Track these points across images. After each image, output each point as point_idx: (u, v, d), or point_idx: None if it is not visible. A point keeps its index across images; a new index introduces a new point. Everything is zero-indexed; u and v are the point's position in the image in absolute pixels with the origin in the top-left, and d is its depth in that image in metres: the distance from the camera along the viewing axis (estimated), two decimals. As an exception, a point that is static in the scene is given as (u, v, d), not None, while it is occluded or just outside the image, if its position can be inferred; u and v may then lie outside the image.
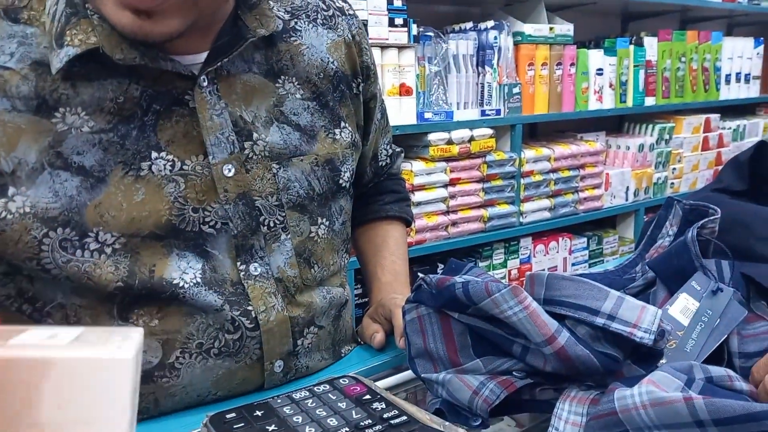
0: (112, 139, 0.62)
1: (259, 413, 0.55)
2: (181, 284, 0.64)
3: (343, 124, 0.77)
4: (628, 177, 2.66)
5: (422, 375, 0.62)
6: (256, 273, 0.68)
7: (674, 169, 2.86)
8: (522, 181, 2.28)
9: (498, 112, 2.18)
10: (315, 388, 0.59)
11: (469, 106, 2.15)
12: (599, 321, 0.55)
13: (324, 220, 0.74)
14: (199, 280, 0.65)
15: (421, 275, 0.64)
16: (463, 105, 2.13)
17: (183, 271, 0.64)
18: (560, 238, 2.50)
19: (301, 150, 0.72)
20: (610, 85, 2.56)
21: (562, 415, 0.55)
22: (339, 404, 0.56)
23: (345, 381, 0.61)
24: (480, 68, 2.16)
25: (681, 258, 0.67)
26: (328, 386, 0.60)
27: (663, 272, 0.68)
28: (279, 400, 0.57)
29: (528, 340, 0.56)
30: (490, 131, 2.13)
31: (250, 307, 0.67)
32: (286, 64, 0.73)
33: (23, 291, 0.64)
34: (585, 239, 2.62)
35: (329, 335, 0.77)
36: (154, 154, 0.63)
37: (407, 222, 0.96)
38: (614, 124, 2.94)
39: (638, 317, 0.55)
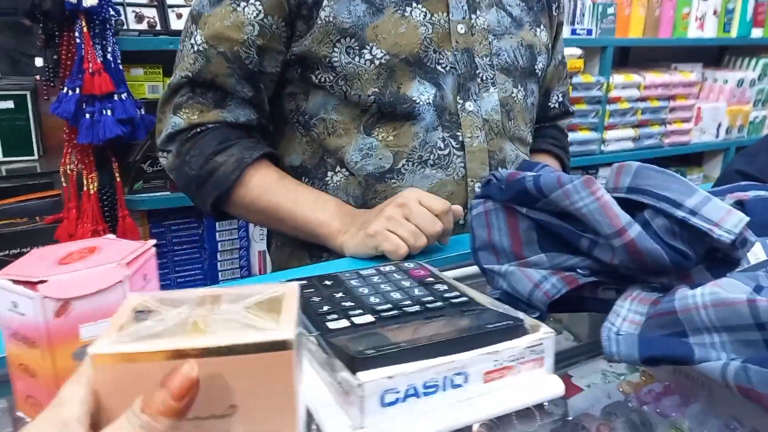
0: None
1: (328, 282, 0.58)
2: (418, 101, 0.84)
3: (542, 27, 0.95)
4: (722, 113, 2.51)
5: (484, 266, 0.63)
6: (470, 109, 0.87)
7: (775, 108, 2.67)
8: (608, 107, 2.20)
9: (589, 32, 2.08)
10: (381, 268, 0.62)
11: (559, 23, 2.05)
12: (680, 213, 0.53)
13: (522, 89, 0.93)
14: (431, 101, 0.85)
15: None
16: (552, 22, 2.04)
17: (421, 93, 0.84)
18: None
19: (510, 31, 0.91)
20: (714, 12, 2.38)
21: (620, 312, 0.55)
22: (403, 283, 0.58)
23: (410, 265, 0.63)
24: (574, -16, 2.06)
25: None
26: (394, 267, 0.62)
27: (758, 216, 0.65)
28: (347, 275, 0.60)
29: (597, 235, 0.55)
30: (579, 52, 2.05)
31: (458, 133, 0.87)
32: None
33: (299, 107, 0.87)
34: (667, 175, 2.51)
35: None
36: (414, 4, 0.84)
37: (563, 164, 1.06)
38: (713, 55, 2.75)
39: (722, 218, 0.52)
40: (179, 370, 0.30)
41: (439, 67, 0.85)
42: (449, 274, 0.73)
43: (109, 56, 1.27)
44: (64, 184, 1.36)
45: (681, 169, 2.58)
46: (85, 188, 1.36)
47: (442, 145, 0.86)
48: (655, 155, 2.39)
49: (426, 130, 0.85)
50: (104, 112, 1.25)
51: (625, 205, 0.58)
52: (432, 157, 0.86)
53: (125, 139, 1.34)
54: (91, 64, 1.24)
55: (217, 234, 1.65)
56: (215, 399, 0.31)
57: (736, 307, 0.48)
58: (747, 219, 0.53)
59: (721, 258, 0.57)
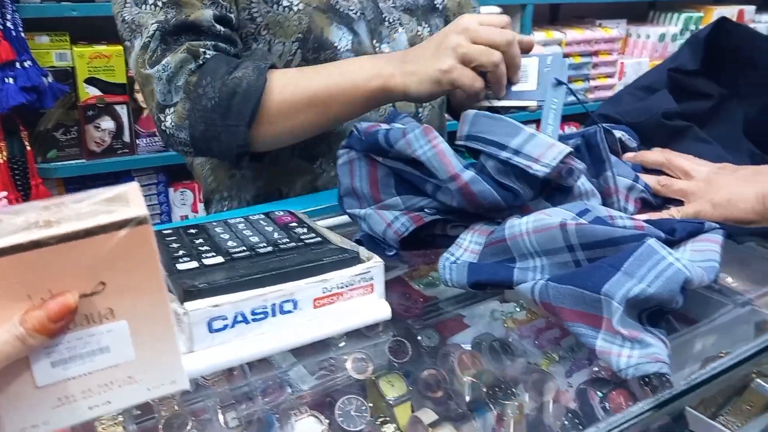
0: None
1: (192, 231, 0.61)
2: (338, 47, 0.86)
3: None
4: (645, 67, 2.59)
5: (348, 210, 0.67)
6: (386, 51, 0.91)
7: (696, 61, 2.76)
8: (530, 65, 2.24)
9: (508, -10, 2.12)
10: (250, 217, 0.65)
11: (477, -18, 2.08)
12: (504, 154, 0.57)
13: (426, 25, 0.97)
14: (349, 47, 0.88)
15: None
16: (471, -19, 2.06)
17: (340, 38, 0.87)
18: (566, 127, 2.49)
19: None
20: (635, -33, 2.44)
21: (462, 243, 0.60)
22: (266, 228, 0.61)
23: (279, 213, 0.66)
24: (493, -58, 2.08)
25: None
26: (262, 215, 0.65)
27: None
28: (214, 224, 0.63)
29: (440, 180, 0.60)
30: (497, 10, 2.08)
31: None
32: None
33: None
34: (593, 129, 2.59)
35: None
36: None
37: None
38: (643, 11, 2.82)
39: (542, 153, 0.56)
40: (60, 295, 0.33)
41: (350, 13, 0.87)
42: (330, 222, 0.77)
43: (8, 24, 1.25)
44: (-27, 154, 1.35)
45: (607, 124, 2.66)
46: (-6, 157, 1.35)
47: None
48: (581, 110, 2.46)
49: None
50: (6, 80, 1.24)
51: (472, 150, 0.63)
52: None
53: (32, 107, 1.33)
54: (-12, 33, 1.22)
55: (137, 200, 1.64)
56: (83, 279, 0.34)
57: (551, 232, 0.53)
58: (567, 150, 0.57)
59: (555, 187, 0.62)
